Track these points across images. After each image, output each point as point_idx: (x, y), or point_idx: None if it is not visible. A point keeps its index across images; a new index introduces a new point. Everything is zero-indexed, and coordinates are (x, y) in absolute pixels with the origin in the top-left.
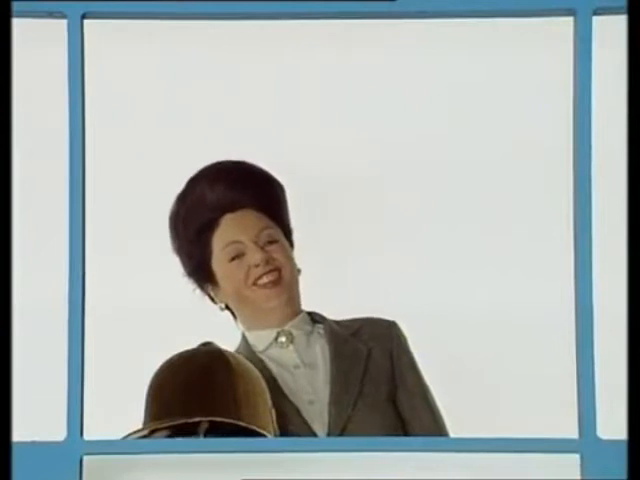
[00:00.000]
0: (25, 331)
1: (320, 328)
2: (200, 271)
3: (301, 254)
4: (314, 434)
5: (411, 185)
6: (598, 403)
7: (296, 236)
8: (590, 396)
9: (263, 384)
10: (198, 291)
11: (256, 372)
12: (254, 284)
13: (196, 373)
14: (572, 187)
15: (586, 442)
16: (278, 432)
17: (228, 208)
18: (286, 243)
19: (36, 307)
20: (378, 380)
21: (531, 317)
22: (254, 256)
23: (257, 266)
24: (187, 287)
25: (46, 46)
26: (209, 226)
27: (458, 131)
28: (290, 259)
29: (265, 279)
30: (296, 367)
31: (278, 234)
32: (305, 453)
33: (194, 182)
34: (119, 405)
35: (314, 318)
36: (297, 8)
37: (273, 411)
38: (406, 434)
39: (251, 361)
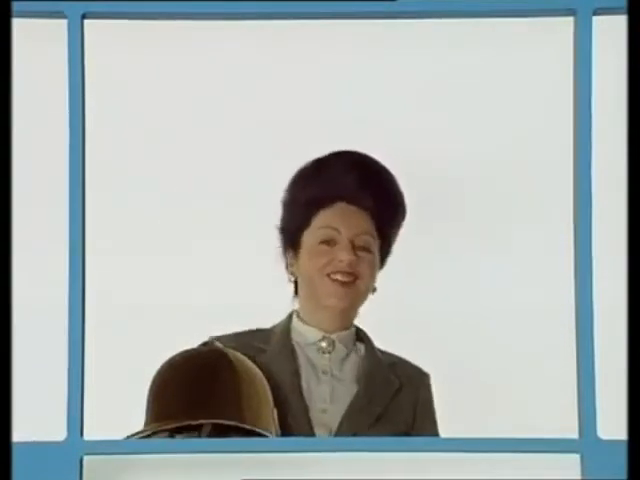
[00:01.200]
0: (25, 331)
1: (362, 348)
2: (290, 234)
3: None
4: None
5: (411, 184)
6: (598, 403)
7: None
8: (590, 396)
9: (264, 382)
10: (279, 251)
11: (257, 370)
12: (328, 275)
13: (198, 372)
14: (572, 187)
15: (586, 442)
16: (279, 432)
17: (348, 198)
18: (377, 258)
19: (36, 307)
20: (397, 418)
21: (531, 317)
22: (343, 254)
23: (341, 261)
24: (187, 286)
25: (46, 46)
26: (322, 202)
27: (458, 131)
28: (372, 275)
29: (339, 277)
30: (324, 373)
31: (375, 246)
32: (306, 453)
33: (339, 156)
34: (120, 405)
35: (359, 335)
36: (297, 8)
37: (275, 411)
38: None
39: (281, 342)
